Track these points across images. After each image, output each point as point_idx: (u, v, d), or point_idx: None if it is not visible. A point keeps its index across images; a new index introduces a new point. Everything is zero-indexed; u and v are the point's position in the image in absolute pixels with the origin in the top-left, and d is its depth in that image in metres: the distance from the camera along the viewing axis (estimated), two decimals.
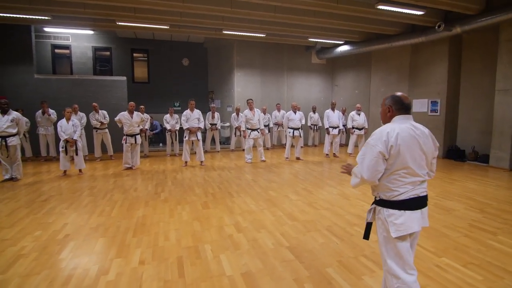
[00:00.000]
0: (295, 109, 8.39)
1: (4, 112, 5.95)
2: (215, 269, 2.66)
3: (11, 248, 3.08)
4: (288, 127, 8.39)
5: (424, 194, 1.85)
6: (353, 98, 11.91)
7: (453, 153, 8.52)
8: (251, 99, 8.06)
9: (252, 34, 9.66)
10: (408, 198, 1.78)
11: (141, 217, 3.98)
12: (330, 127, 8.82)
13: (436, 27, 7.66)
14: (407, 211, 1.78)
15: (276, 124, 10.80)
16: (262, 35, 9.80)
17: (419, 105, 9.45)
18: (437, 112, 8.87)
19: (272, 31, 9.21)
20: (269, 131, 10.66)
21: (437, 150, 1.93)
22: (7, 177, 6.12)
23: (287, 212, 4.14)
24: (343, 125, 10.06)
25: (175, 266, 2.71)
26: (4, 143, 5.93)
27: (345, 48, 10.91)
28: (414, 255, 1.89)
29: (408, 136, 1.78)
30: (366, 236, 2.01)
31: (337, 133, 8.88)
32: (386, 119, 1.94)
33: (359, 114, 8.92)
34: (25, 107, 8.68)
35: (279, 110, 10.87)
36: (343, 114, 10.52)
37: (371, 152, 1.79)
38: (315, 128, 11.36)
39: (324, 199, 4.75)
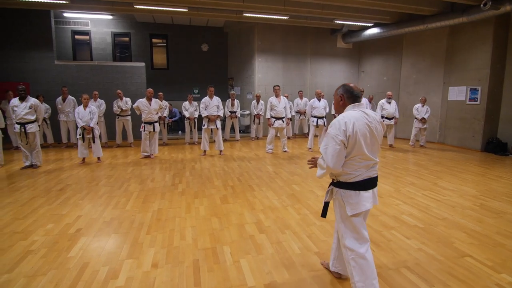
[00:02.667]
0: (319, 97, 7.87)
1: (22, 98, 5.86)
2: (235, 278, 2.35)
3: (21, 243, 2.92)
4: (312, 116, 7.91)
5: (375, 175, 2.04)
6: (381, 85, 11.17)
7: (493, 146, 7.77)
8: (278, 86, 7.54)
9: (274, 17, 9.11)
10: (362, 179, 1.97)
11: (156, 211, 3.74)
12: None
13: (482, 5, 6.81)
14: (361, 191, 1.97)
15: (298, 112, 10.33)
16: (285, 18, 9.23)
17: (456, 92, 8.66)
18: (476, 101, 8.07)
19: (296, 12, 8.62)
20: (290, 120, 10.20)
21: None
22: (27, 164, 6.10)
23: (313, 210, 3.77)
24: None
25: (190, 272, 2.43)
26: (23, 130, 5.88)
27: (374, 31, 10.12)
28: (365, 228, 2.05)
29: (363, 124, 1.92)
30: (324, 214, 2.16)
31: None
32: (339, 108, 2.09)
33: (389, 103, 8.29)
34: (45, 94, 8.71)
35: (301, 98, 10.37)
36: (370, 102, 9.88)
37: (334, 142, 1.91)
38: None
39: None
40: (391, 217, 3.56)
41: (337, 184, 2.04)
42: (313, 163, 2.14)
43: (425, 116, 8.35)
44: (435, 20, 8.31)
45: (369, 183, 1.99)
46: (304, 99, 10.35)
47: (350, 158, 1.94)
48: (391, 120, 8.36)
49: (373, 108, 10.22)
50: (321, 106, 7.83)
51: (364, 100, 8.44)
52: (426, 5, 8.00)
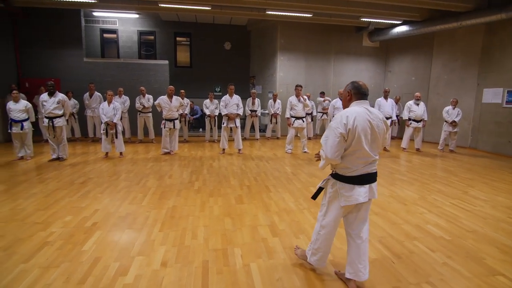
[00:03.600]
0: (342, 97, 7.61)
1: (51, 94, 6.11)
2: (243, 282, 2.27)
3: (40, 234, 3.00)
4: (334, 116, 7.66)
5: (374, 171, 2.13)
6: (409, 85, 10.68)
7: None
8: (300, 86, 7.33)
9: (297, 14, 8.94)
10: (359, 174, 2.06)
11: (171, 208, 3.74)
12: None
13: None
14: (356, 186, 2.07)
15: (321, 112, 10.08)
16: (309, 15, 9.03)
17: (491, 95, 8.09)
18: None
19: (320, 10, 8.40)
20: (312, 120, 9.99)
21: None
22: (54, 156, 6.35)
23: None
24: (396, 116, 9.04)
25: (199, 272, 2.38)
26: (51, 124, 6.12)
27: (403, 28, 9.67)
28: (365, 222, 2.21)
29: (364, 120, 2.00)
30: (314, 197, 2.32)
31: (389, 124, 7.95)
32: (346, 103, 2.19)
33: (417, 104, 7.88)
34: (74, 90, 9.06)
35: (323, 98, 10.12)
36: (396, 103, 9.46)
37: (334, 134, 2.02)
38: None
39: (374, 202, 4.12)
40: (415, 226, 3.34)
41: (335, 176, 2.15)
42: (319, 157, 2.25)
43: (456, 119, 7.86)
44: (470, 17, 7.80)
45: (366, 179, 2.08)
46: (326, 99, 10.08)
47: (349, 152, 2.04)
48: (419, 123, 7.94)
49: (400, 110, 9.79)
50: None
51: (390, 101, 8.06)
52: (461, 1, 7.53)
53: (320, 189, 2.29)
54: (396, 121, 9.23)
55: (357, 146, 2.00)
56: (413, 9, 8.61)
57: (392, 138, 9.57)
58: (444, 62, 9.45)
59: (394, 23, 9.80)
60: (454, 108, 7.93)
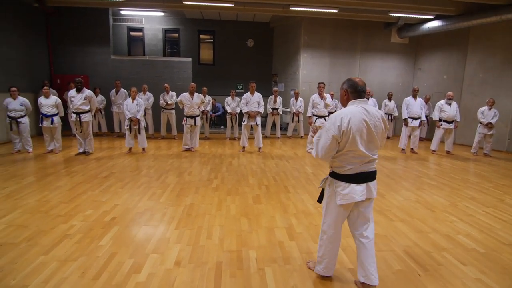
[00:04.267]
0: (368, 95, 7.31)
1: (79, 90, 6.31)
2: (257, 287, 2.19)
3: (61, 226, 3.08)
4: None
5: (373, 169, 2.09)
6: (440, 84, 10.11)
7: None
8: (323, 83, 7.08)
9: (322, 10, 8.68)
10: (355, 173, 2.02)
11: (188, 206, 3.73)
12: (409, 117, 7.53)
13: None
14: (352, 184, 2.02)
15: None
16: (334, 11, 8.74)
17: None
18: None
19: (346, 5, 8.10)
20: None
21: (387, 130, 2.14)
22: (80, 150, 6.58)
23: None
24: (426, 116, 8.57)
25: (212, 274, 2.33)
26: (78, 119, 6.34)
27: (435, 23, 9.14)
28: (368, 222, 2.13)
29: (359, 120, 1.95)
30: (320, 200, 2.26)
31: (417, 125, 7.55)
32: (344, 102, 2.12)
33: (449, 104, 7.40)
34: (102, 86, 9.34)
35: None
36: (426, 103, 8.97)
37: (326, 135, 2.00)
38: (390, 117, 9.98)
39: (399, 207, 3.90)
40: (444, 236, 3.10)
41: (332, 174, 2.11)
42: (314, 133, 2.27)
43: (492, 121, 7.32)
44: (511, 10, 7.21)
45: (363, 177, 2.04)
46: None
47: (343, 152, 2.00)
48: (451, 124, 7.46)
49: (430, 110, 9.28)
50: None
51: (419, 100, 7.64)
52: None
53: (323, 191, 2.23)
54: (426, 121, 8.75)
55: (352, 147, 1.96)
56: (447, 2, 8.10)
57: (421, 139, 9.09)
58: (480, 59, 8.84)
59: (426, 18, 9.29)
60: (490, 109, 7.39)
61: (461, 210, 3.81)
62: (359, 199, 2.02)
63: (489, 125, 7.35)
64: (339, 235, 2.18)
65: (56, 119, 6.57)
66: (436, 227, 3.30)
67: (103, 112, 9.31)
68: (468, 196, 4.38)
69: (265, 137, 9.45)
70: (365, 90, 2.06)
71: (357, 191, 2.01)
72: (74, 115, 6.36)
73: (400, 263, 2.58)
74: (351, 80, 2.07)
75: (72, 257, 2.52)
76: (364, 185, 2.04)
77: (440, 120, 7.53)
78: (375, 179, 2.10)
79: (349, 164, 2.01)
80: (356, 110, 1.98)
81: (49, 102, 6.47)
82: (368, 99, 7.25)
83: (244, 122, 7.21)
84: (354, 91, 2.04)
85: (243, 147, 7.41)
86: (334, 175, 2.10)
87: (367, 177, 2.05)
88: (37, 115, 7.59)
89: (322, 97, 7.00)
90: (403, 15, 8.97)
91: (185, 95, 7.06)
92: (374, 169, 2.08)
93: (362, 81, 2.07)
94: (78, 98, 6.29)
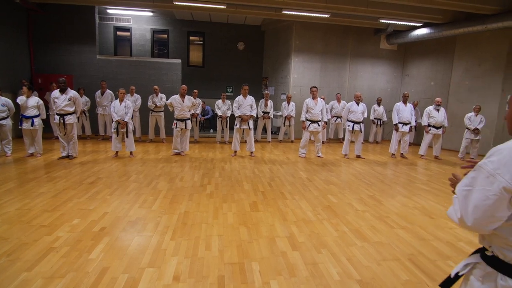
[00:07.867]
0: (358, 100, 7.33)
1: (63, 91, 6.01)
2: None
3: (46, 238, 2.84)
4: (348, 120, 7.38)
5: None
6: (427, 91, 10.32)
7: None
8: (315, 87, 7.11)
9: (314, 15, 8.70)
10: None
11: (182, 214, 3.55)
12: (400, 122, 7.60)
13: None
14: None
15: (335, 116, 9.81)
16: (326, 16, 8.78)
17: None
18: None
19: (338, 10, 8.13)
20: (326, 124, 9.72)
21: None
22: (64, 154, 6.25)
23: (353, 227, 3.37)
24: (415, 121, 8.68)
25: None
26: (62, 121, 6.02)
27: (423, 31, 9.33)
28: None
29: None
30: (445, 286, 1.30)
31: (407, 130, 7.64)
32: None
33: (438, 110, 7.54)
34: (87, 87, 8.99)
35: (339, 101, 9.84)
36: (414, 108, 9.10)
37: (487, 186, 1.05)
38: (379, 122, 10.08)
39: (398, 213, 3.86)
40: (446, 243, 3.07)
41: (493, 261, 1.15)
42: (452, 183, 1.28)
43: (479, 127, 7.50)
44: (497, 20, 7.43)
45: None
46: (342, 102, 9.80)
47: None
48: (439, 130, 7.60)
49: (418, 115, 9.45)
50: (359, 111, 7.29)
51: (409, 106, 7.74)
52: (488, 2, 7.18)
53: (454, 278, 1.28)
54: (415, 127, 8.87)
55: None
56: (435, 11, 8.28)
57: (409, 144, 9.22)
58: (466, 67, 9.08)
59: (414, 26, 9.47)
60: (477, 115, 7.57)
61: None
62: None
63: (475, 131, 7.52)
64: None
65: (37, 120, 6.22)
66: (437, 234, 3.26)
67: (87, 114, 8.95)
68: None
69: (255, 141, 9.33)
70: None
71: None
72: (57, 117, 6.04)
73: (407, 273, 2.50)
74: None
75: (59, 273, 2.30)
76: None
77: (429, 125, 7.65)
78: None
79: None
80: None
81: (30, 103, 6.12)
82: (358, 104, 7.29)
83: (236, 125, 7.07)
84: None
85: (235, 151, 7.26)
86: (498, 264, 1.14)
87: None
88: (16, 117, 7.18)
89: (316, 100, 7.04)
90: (392, 22, 9.11)
91: (176, 98, 6.85)
92: None
93: None
94: (62, 99, 5.98)
